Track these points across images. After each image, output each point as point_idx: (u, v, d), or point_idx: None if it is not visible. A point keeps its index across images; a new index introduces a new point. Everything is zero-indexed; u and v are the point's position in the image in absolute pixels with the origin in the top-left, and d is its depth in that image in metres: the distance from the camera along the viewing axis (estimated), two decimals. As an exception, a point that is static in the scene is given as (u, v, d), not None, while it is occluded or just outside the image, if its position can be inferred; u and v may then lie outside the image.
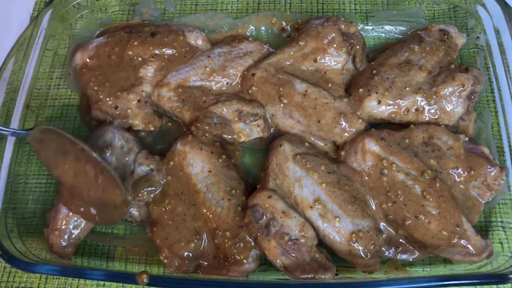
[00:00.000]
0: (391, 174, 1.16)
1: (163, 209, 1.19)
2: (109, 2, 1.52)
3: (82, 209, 1.15)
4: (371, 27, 1.47)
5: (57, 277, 1.23)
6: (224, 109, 1.25)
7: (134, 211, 1.21)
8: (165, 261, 1.15)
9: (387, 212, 1.15)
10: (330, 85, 1.29)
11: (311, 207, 1.13)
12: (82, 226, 1.20)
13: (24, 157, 1.32)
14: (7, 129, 1.22)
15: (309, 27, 1.33)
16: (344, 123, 1.24)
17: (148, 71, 1.33)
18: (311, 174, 1.15)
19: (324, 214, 1.12)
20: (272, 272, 1.17)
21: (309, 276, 1.07)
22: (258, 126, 1.26)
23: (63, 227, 1.18)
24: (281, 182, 1.16)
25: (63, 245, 1.19)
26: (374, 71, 1.27)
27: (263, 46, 1.38)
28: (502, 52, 1.27)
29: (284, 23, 1.47)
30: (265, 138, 1.28)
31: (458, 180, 1.17)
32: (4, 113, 1.27)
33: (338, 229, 1.11)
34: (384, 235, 1.16)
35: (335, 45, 1.29)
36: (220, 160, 1.23)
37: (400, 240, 1.16)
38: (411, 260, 1.17)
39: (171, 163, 1.23)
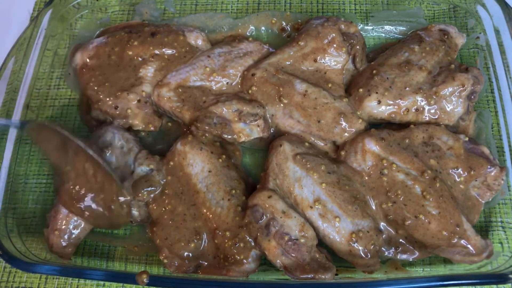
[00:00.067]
0: (391, 174, 1.16)
1: (163, 209, 1.19)
2: (109, 2, 1.52)
3: (85, 212, 1.16)
4: (371, 27, 1.47)
5: (57, 277, 1.23)
6: (224, 109, 1.25)
7: (134, 211, 1.21)
8: (165, 261, 1.15)
9: (387, 212, 1.15)
10: (330, 85, 1.29)
11: (311, 207, 1.13)
12: (82, 226, 1.20)
13: (24, 157, 1.32)
14: (4, 121, 1.23)
15: (309, 27, 1.33)
16: (344, 123, 1.24)
17: (148, 71, 1.33)
18: (311, 174, 1.15)
19: (324, 214, 1.12)
20: (272, 272, 1.17)
21: (309, 276, 1.07)
22: (258, 126, 1.26)
23: (63, 227, 1.18)
24: (281, 182, 1.16)
25: (63, 245, 1.19)
26: (374, 71, 1.27)
27: (263, 46, 1.38)
28: (502, 52, 1.27)
29: (284, 23, 1.47)
30: (265, 138, 1.28)
31: (458, 180, 1.17)
32: (4, 113, 1.27)
33: (338, 229, 1.11)
34: (384, 235, 1.16)
35: (335, 45, 1.29)
36: (220, 160, 1.23)
37: (400, 240, 1.16)
38: (411, 260, 1.17)
39: (171, 163, 1.23)
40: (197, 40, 1.38)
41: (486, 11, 1.34)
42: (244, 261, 1.12)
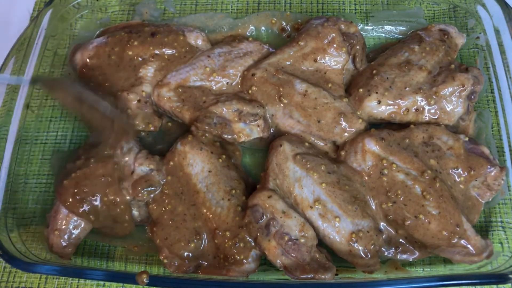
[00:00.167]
0: (391, 174, 1.16)
1: (163, 209, 1.19)
2: (109, 2, 1.52)
3: (85, 209, 1.16)
4: (371, 27, 1.47)
5: (57, 277, 1.23)
6: (224, 109, 1.25)
7: (134, 211, 1.21)
8: (165, 261, 1.15)
9: (387, 212, 1.15)
10: (330, 85, 1.29)
11: (311, 207, 1.13)
12: (82, 226, 1.20)
13: (24, 157, 1.32)
14: (10, 78, 1.25)
15: (309, 27, 1.33)
16: (344, 123, 1.24)
17: (148, 71, 1.33)
18: (311, 174, 1.15)
19: (324, 214, 1.12)
20: (272, 272, 1.17)
21: (309, 276, 1.07)
22: (258, 126, 1.26)
23: (63, 227, 1.18)
24: (281, 182, 1.16)
25: (63, 245, 1.18)
26: (374, 71, 1.27)
27: (263, 46, 1.38)
28: (502, 52, 1.27)
29: (284, 23, 1.47)
30: (265, 138, 1.28)
31: (458, 180, 1.17)
32: (4, 113, 1.27)
33: (338, 229, 1.11)
34: (384, 235, 1.16)
35: (335, 45, 1.29)
36: (220, 160, 1.23)
37: (400, 240, 1.17)
38: (411, 260, 1.17)
39: (171, 163, 1.23)
40: (197, 40, 1.38)
41: (486, 11, 1.34)
42: (244, 261, 1.12)
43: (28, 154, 1.33)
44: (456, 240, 1.10)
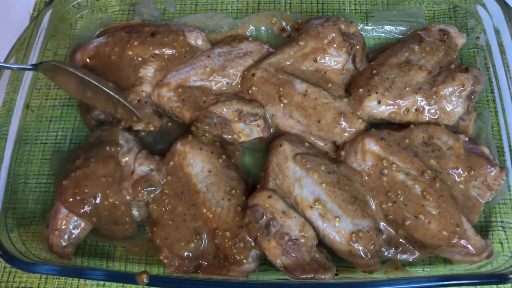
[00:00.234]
0: (391, 174, 1.16)
1: (163, 209, 1.19)
2: (109, 2, 1.52)
3: (86, 208, 1.17)
4: (371, 27, 1.47)
5: (57, 277, 1.23)
6: (224, 109, 1.25)
7: (134, 211, 1.21)
8: (165, 261, 1.15)
9: (387, 212, 1.15)
10: (330, 85, 1.29)
11: (311, 207, 1.13)
12: (82, 226, 1.20)
13: (24, 157, 1.32)
14: (13, 65, 1.25)
15: (309, 27, 1.33)
16: (344, 123, 1.24)
17: (148, 71, 1.33)
18: (311, 174, 1.15)
19: (324, 214, 1.12)
20: (272, 272, 1.17)
21: (309, 276, 1.07)
22: (258, 126, 1.26)
23: (63, 227, 1.18)
24: (281, 182, 1.16)
25: (63, 245, 1.18)
26: (374, 71, 1.27)
27: (263, 46, 1.38)
28: (502, 52, 1.27)
29: (284, 23, 1.47)
30: (265, 138, 1.28)
31: (458, 180, 1.17)
32: (4, 113, 1.27)
33: (338, 229, 1.11)
34: (384, 235, 1.16)
35: (335, 45, 1.29)
36: (220, 160, 1.23)
37: (400, 240, 1.17)
38: (411, 260, 1.17)
39: (171, 163, 1.23)
40: (197, 40, 1.38)
41: (486, 11, 1.34)
42: (244, 261, 1.12)
43: (28, 154, 1.33)
44: (456, 240, 1.10)
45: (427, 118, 1.25)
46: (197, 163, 1.21)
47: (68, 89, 1.25)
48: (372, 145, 1.18)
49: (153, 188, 1.20)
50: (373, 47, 1.45)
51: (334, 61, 1.31)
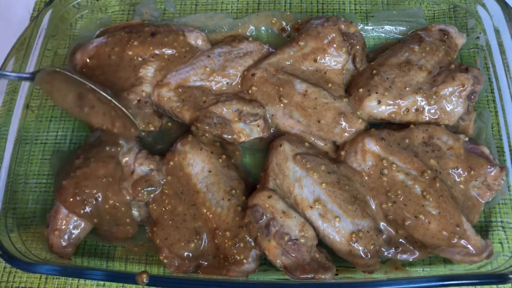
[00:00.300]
0: (391, 174, 1.16)
1: (163, 209, 1.19)
2: (109, 2, 1.52)
3: (86, 208, 1.17)
4: (371, 27, 1.47)
5: (57, 277, 1.23)
6: (224, 109, 1.25)
7: (134, 211, 1.21)
8: (165, 261, 1.15)
9: (387, 212, 1.15)
10: (330, 85, 1.29)
11: (311, 207, 1.13)
12: (82, 226, 1.20)
13: (24, 157, 1.32)
14: (11, 74, 1.23)
15: (309, 27, 1.33)
16: (344, 123, 1.24)
17: (148, 71, 1.33)
18: (311, 174, 1.15)
19: (324, 214, 1.12)
20: (272, 272, 1.17)
21: (309, 276, 1.07)
22: (258, 126, 1.26)
23: (63, 227, 1.18)
24: (281, 182, 1.16)
25: (63, 245, 1.18)
26: (374, 71, 1.27)
27: (263, 46, 1.38)
28: (502, 52, 1.27)
29: (284, 23, 1.47)
30: (265, 138, 1.28)
31: (458, 180, 1.17)
32: (4, 113, 1.27)
33: (338, 229, 1.11)
34: (384, 235, 1.16)
35: (335, 45, 1.29)
36: (220, 160, 1.23)
37: (400, 240, 1.17)
38: (411, 260, 1.17)
39: (171, 163, 1.23)
40: (197, 40, 1.38)
41: (486, 11, 1.34)
42: (244, 261, 1.12)
43: (28, 154, 1.33)
44: (456, 240, 1.10)
45: (427, 118, 1.25)
46: (197, 163, 1.21)
47: (65, 105, 1.21)
48: (372, 145, 1.18)
49: (153, 188, 1.20)
50: (373, 47, 1.45)
51: (334, 61, 1.31)
